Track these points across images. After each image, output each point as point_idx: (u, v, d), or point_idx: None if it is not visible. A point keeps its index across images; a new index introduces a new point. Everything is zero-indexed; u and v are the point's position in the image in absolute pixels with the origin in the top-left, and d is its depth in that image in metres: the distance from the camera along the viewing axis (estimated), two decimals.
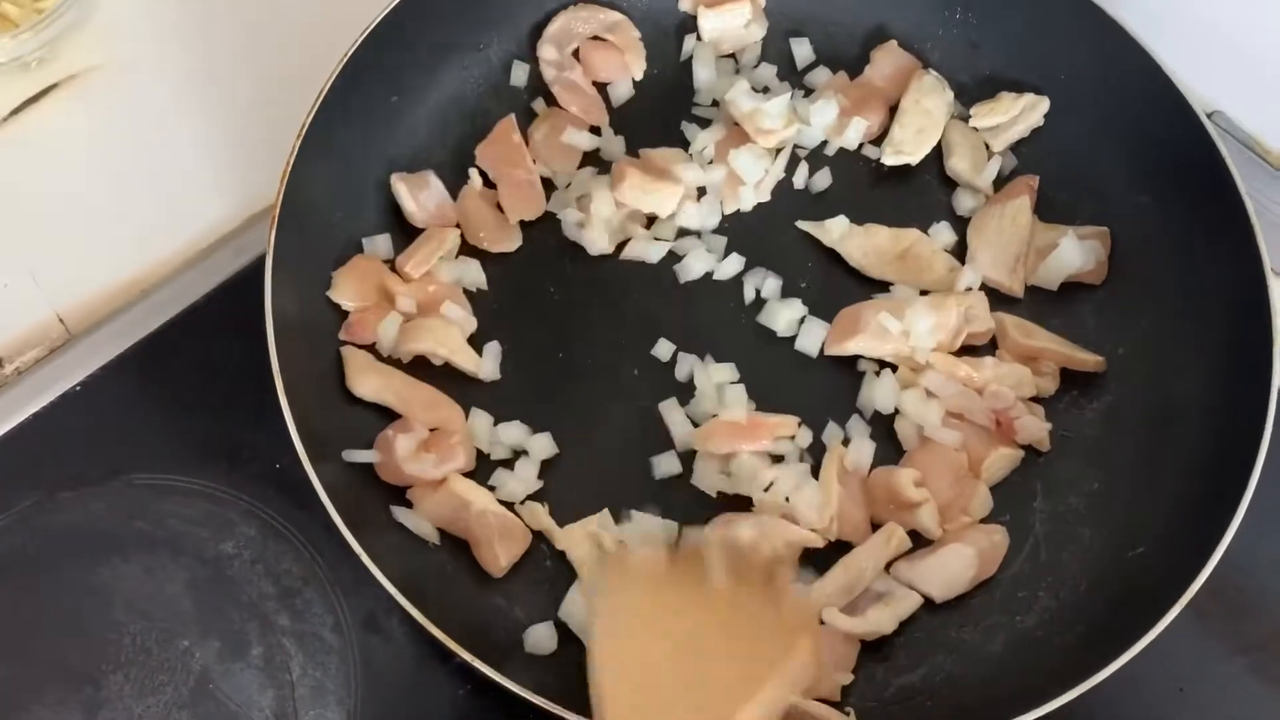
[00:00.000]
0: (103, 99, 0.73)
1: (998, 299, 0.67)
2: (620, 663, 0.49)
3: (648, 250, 0.67)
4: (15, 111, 0.72)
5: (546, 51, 0.71)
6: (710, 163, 0.69)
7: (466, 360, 0.63)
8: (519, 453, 0.62)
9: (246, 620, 0.59)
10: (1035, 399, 0.64)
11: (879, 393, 0.63)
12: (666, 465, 0.62)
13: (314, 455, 0.55)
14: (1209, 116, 0.68)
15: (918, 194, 0.70)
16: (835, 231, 0.68)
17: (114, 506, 0.61)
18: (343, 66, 0.63)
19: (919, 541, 0.60)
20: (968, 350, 0.65)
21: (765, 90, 0.72)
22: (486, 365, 0.63)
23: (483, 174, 0.68)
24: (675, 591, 0.52)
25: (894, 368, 0.64)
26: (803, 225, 0.68)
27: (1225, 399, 0.61)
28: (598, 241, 0.66)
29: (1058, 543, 0.61)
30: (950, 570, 0.59)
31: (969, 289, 0.66)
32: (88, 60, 0.73)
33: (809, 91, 0.72)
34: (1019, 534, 0.61)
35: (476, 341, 0.64)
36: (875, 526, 0.61)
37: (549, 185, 0.69)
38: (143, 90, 0.73)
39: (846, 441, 0.63)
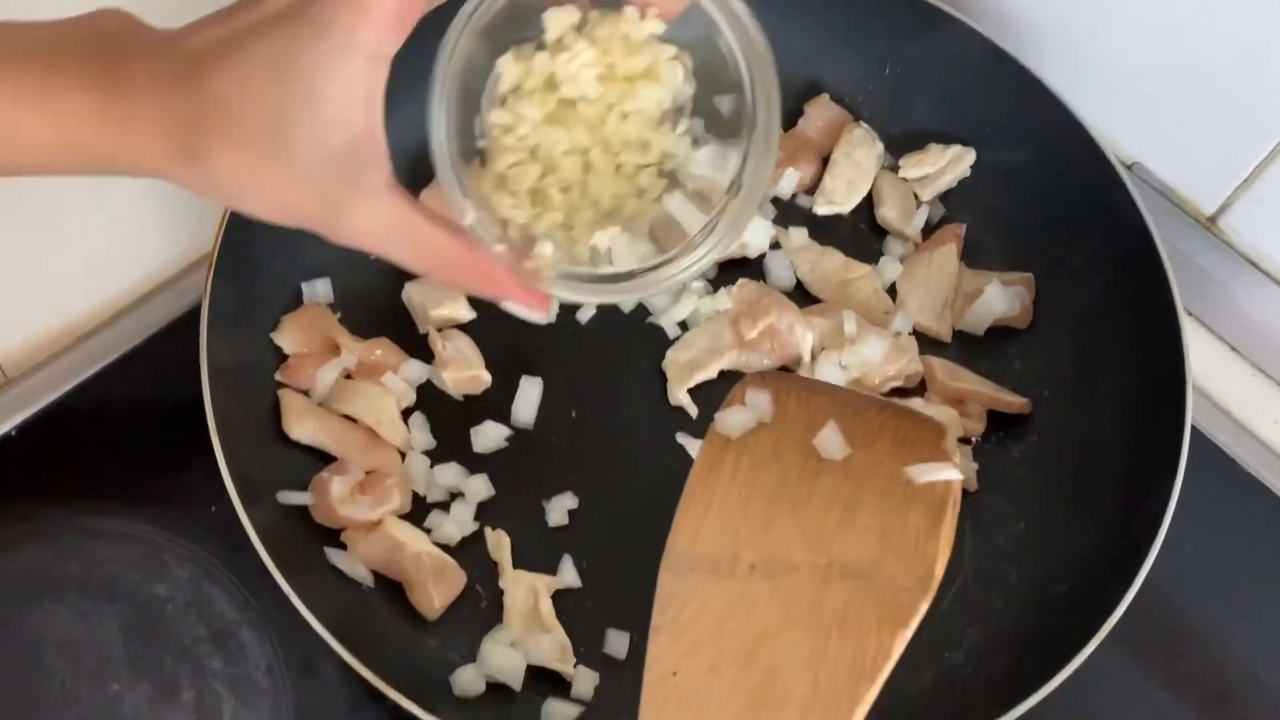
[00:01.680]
0: None
1: (925, 343, 0.69)
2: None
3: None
4: None
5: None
6: None
7: (394, 434, 0.63)
8: (456, 494, 0.63)
9: (178, 664, 0.58)
10: (963, 440, 0.66)
11: None
12: None
13: (247, 497, 0.55)
14: (1128, 168, 0.71)
15: (850, 242, 0.72)
16: (796, 240, 0.70)
17: (47, 550, 0.61)
18: None
19: None
20: (896, 393, 0.67)
21: (695, 142, 0.74)
22: (416, 437, 0.64)
23: None
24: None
25: None
26: (774, 230, 0.70)
27: (1142, 438, 0.63)
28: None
29: (985, 580, 0.62)
30: None
31: (898, 333, 0.68)
32: None
33: None
34: (949, 572, 0.61)
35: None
36: None
37: None
38: None
39: None
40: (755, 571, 0.42)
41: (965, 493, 0.65)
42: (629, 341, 0.68)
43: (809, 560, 0.40)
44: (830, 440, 0.46)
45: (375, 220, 0.41)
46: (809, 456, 0.45)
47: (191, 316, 0.66)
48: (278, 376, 0.63)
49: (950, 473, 0.42)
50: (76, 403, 0.65)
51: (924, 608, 0.38)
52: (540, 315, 0.45)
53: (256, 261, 0.64)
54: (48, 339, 0.67)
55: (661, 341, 0.68)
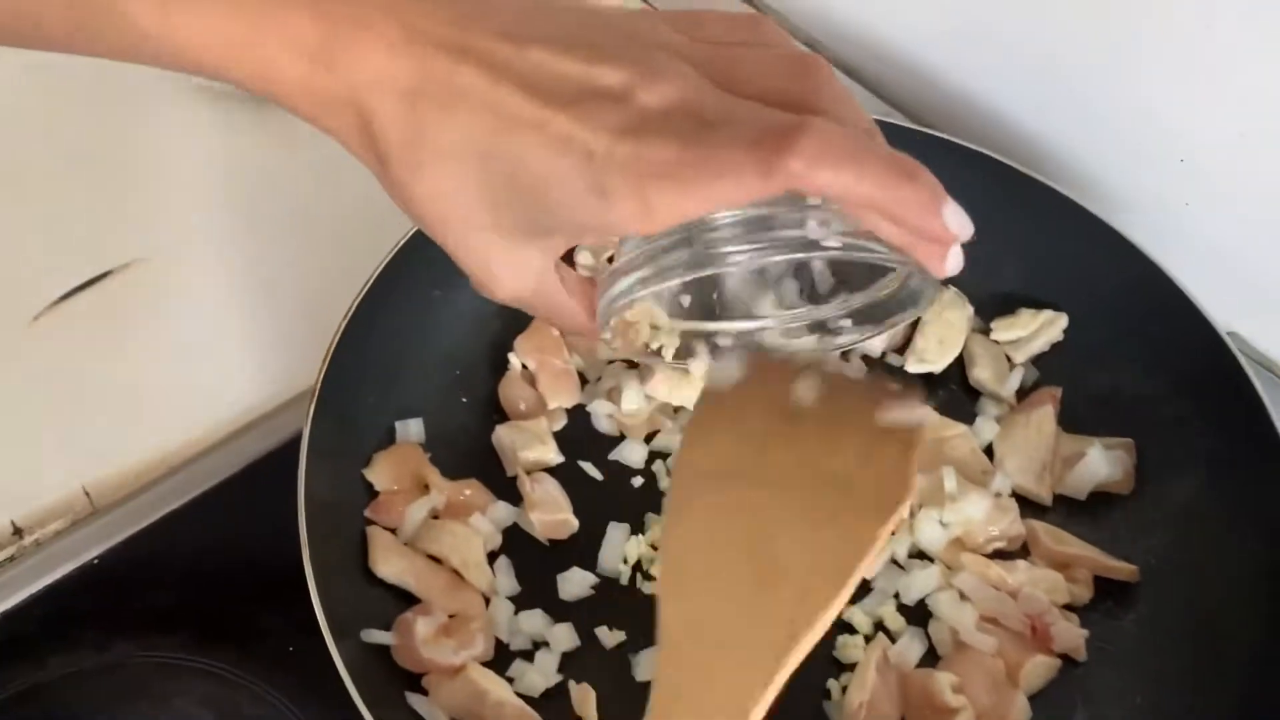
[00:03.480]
0: (148, 287, 0.76)
1: (1025, 506, 0.67)
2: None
3: (677, 441, 0.68)
4: (65, 297, 0.74)
5: (583, 256, 0.74)
6: None
7: (479, 578, 0.62)
8: (539, 643, 0.60)
9: None
10: (1069, 607, 0.63)
11: (920, 582, 0.62)
12: None
13: (336, 634, 0.53)
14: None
15: (943, 402, 0.71)
16: None
17: (119, 684, 0.59)
18: (389, 260, 0.66)
19: None
20: (999, 555, 0.64)
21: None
22: (501, 582, 0.62)
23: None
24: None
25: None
26: None
27: (1260, 612, 0.60)
28: (631, 434, 0.68)
29: None
30: None
31: (998, 494, 0.66)
32: (138, 251, 0.77)
33: None
34: None
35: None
36: None
37: (581, 378, 0.70)
38: (187, 281, 0.76)
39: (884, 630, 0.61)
40: (754, 482, 0.45)
41: (1074, 663, 0.62)
42: None
43: (800, 475, 0.44)
44: (806, 388, 0.47)
45: (518, 289, 0.43)
46: (788, 406, 0.48)
47: (278, 454, 0.67)
48: (367, 513, 0.62)
49: (917, 414, 0.46)
50: (160, 535, 0.64)
51: (904, 510, 0.42)
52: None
53: (353, 399, 0.64)
54: (138, 471, 0.67)
55: None
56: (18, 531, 0.64)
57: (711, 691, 0.40)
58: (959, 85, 0.83)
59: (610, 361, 0.71)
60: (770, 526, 0.42)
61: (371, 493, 0.63)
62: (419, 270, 0.67)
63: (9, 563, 0.63)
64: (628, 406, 0.68)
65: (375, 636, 0.57)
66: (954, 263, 0.40)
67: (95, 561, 0.63)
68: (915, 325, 0.73)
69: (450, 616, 0.60)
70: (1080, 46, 0.73)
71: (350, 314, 0.63)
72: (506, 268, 0.42)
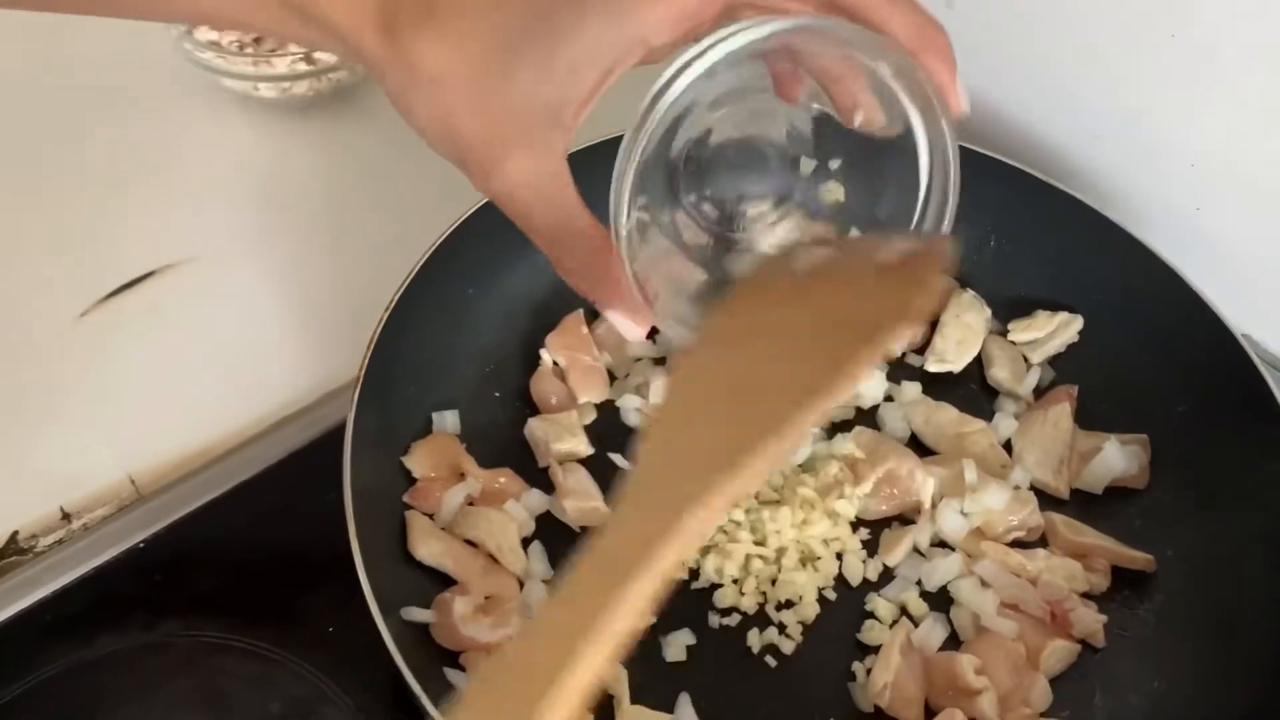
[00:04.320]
0: (192, 286, 0.78)
1: (1043, 500, 0.68)
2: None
3: None
4: (112, 294, 0.77)
5: None
6: None
7: (514, 561, 0.63)
8: None
9: None
10: (1088, 596, 0.64)
11: (941, 569, 0.64)
12: None
13: (383, 610, 0.55)
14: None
15: (962, 400, 0.73)
16: (910, 394, 0.71)
17: (165, 661, 0.60)
18: (425, 260, 0.68)
19: None
20: (1017, 545, 0.66)
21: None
22: (535, 566, 0.64)
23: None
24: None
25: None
26: (886, 385, 0.72)
27: (1277, 604, 0.61)
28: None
29: None
30: None
31: (1017, 487, 0.68)
32: (183, 253, 0.79)
33: None
34: None
35: None
36: (929, 711, 0.59)
37: (610, 375, 0.73)
38: (230, 281, 0.79)
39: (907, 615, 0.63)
40: (751, 334, 0.43)
41: (1093, 649, 0.63)
42: None
43: (798, 321, 0.41)
44: (806, 256, 0.46)
45: (531, 176, 0.39)
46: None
47: (319, 444, 0.69)
48: (406, 499, 0.64)
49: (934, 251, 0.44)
50: (204, 521, 0.66)
51: (898, 334, 0.38)
52: (637, 333, 0.44)
53: (393, 392, 0.66)
54: (182, 459, 0.69)
55: None
56: (66, 516, 0.66)
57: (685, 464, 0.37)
58: (977, 95, 0.85)
59: (638, 359, 0.74)
60: (757, 364, 0.40)
61: (410, 480, 0.65)
62: (454, 270, 0.70)
63: (57, 546, 0.65)
64: (656, 400, 0.70)
65: (415, 615, 0.59)
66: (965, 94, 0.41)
67: (141, 546, 0.65)
68: (934, 327, 0.75)
69: (486, 598, 0.61)
70: (1093, 56, 0.76)
71: (389, 312, 0.66)
72: (520, 143, 0.38)
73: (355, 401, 0.62)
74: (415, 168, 0.84)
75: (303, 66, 0.84)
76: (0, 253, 0.78)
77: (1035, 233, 0.75)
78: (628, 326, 0.43)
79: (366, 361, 0.64)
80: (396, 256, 0.68)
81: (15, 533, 0.65)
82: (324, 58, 0.85)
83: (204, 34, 0.84)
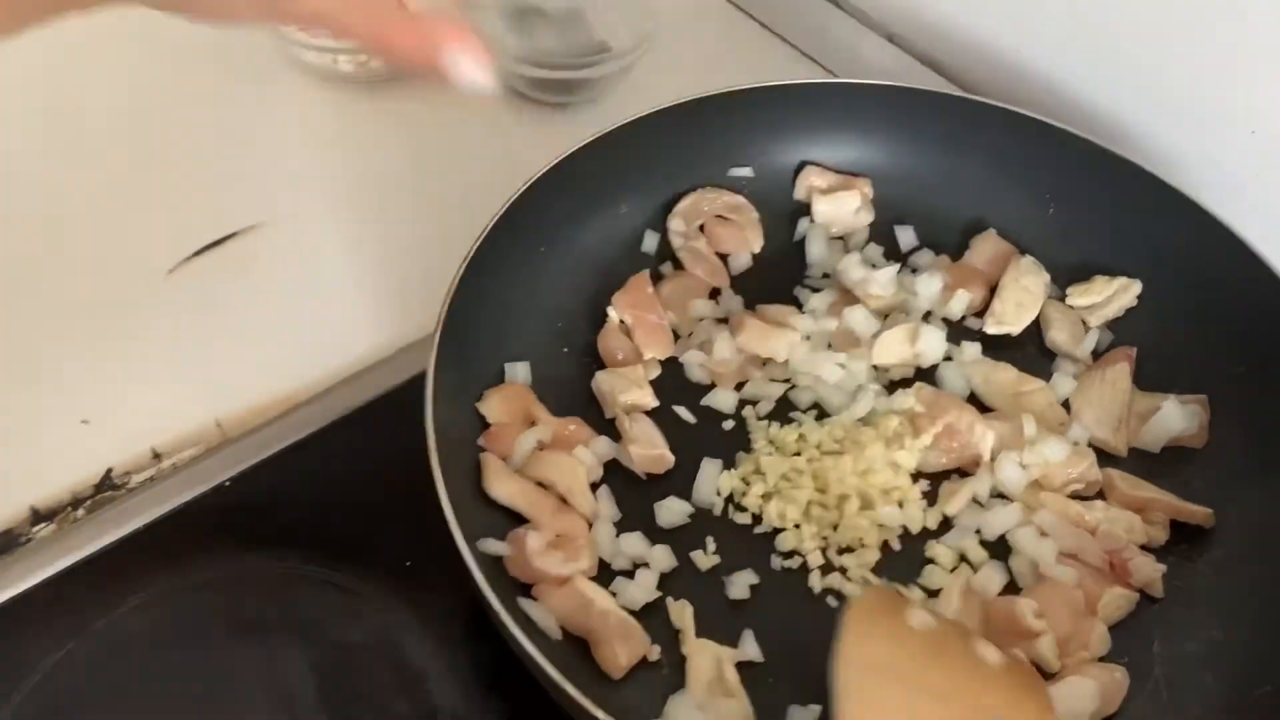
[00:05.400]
0: (273, 246, 0.82)
1: (1101, 458, 0.69)
2: None
3: (765, 389, 0.72)
4: (196, 254, 0.80)
5: (675, 224, 0.79)
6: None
7: (583, 503, 0.66)
8: (639, 565, 0.64)
9: (366, 707, 0.59)
10: (1146, 549, 0.65)
11: (1001, 518, 0.65)
12: None
13: (467, 539, 0.57)
14: None
15: (1020, 362, 0.74)
16: (969, 354, 0.73)
17: (251, 593, 0.63)
18: (499, 218, 0.70)
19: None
20: (1076, 497, 0.67)
21: (873, 266, 0.78)
22: (603, 508, 0.66)
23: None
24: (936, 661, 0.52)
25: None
26: (946, 345, 0.73)
27: None
28: (722, 382, 0.72)
29: (1178, 685, 0.60)
30: (1072, 703, 0.58)
31: (1076, 443, 0.69)
32: (262, 216, 0.83)
33: (914, 270, 0.79)
34: (1139, 675, 0.61)
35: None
36: None
37: (674, 334, 0.75)
38: (308, 243, 0.82)
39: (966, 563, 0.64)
40: (918, 689, 0.51)
41: (1151, 600, 0.64)
42: None
43: (960, 696, 0.51)
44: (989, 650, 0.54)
45: None
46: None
47: (397, 393, 0.72)
48: (480, 442, 0.67)
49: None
50: (288, 461, 0.69)
51: None
52: (487, 76, 0.47)
53: (468, 342, 0.68)
54: (267, 405, 0.72)
55: None
56: (157, 456, 0.70)
57: None
58: (1033, 64, 0.87)
59: (701, 318, 0.76)
60: None
61: (483, 425, 0.68)
62: (525, 229, 0.72)
63: (149, 483, 0.68)
64: (719, 356, 0.72)
65: (491, 546, 0.61)
66: None
67: (226, 484, 0.68)
68: (994, 290, 0.77)
69: (556, 536, 0.64)
70: (1152, 23, 0.77)
71: (463, 268, 0.68)
72: None
73: (435, 350, 0.64)
74: (482, 138, 0.88)
75: None
76: (94, 212, 0.82)
77: (1094, 198, 0.77)
78: (476, 78, 0.47)
79: (444, 314, 0.66)
80: (467, 220, 0.70)
81: (110, 470, 0.69)
82: None
83: None
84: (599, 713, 0.51)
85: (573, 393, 0.72)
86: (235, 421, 0.71)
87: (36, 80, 0.89)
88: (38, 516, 0.67)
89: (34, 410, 0.71)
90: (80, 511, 0.67)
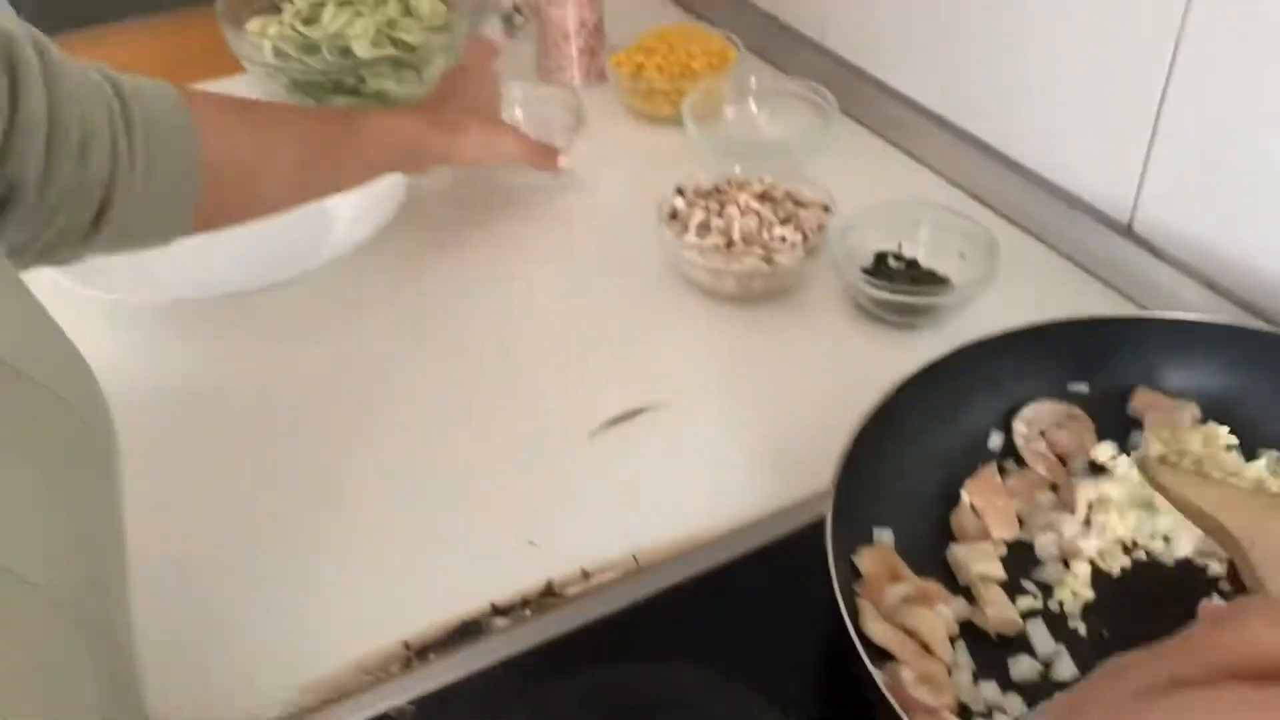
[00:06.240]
0: (672, 421, 1.00)
1: None
2: None
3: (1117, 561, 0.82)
4: (611, 422, 1.00)
5: (1019, 426, 0.92)
6: None
7: (943, 651, 0.76)
8: (994, 709, 0.74)
9: None
10: None
11: None
12: None
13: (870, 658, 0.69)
14: None
15: None
16: None
17: (660, 690, 0.77)
18: (876, 409, 0.85)
19: None
20: None
21: None
22: (960, 659, 0.77)
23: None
24: None
25: None
26: None
27: None
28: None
29: None
30: None
31: None
32: (662, 397, 1.02)
33: None
34: None
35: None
36: None
37: (1019, 520, 0.86)
38: (702, 419, 1.00)
39: None
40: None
41: None
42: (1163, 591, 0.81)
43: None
44: None
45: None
46: None
47: (772, 547, 0.86)
48: (855, 588, 0.79)
49: None
50: (695, 589, 0.84)
51: None
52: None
53: (845, 505, 0.82)
54: (676, 544, 0.88)
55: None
56: (586, 575, 0.86)
57: None
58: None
59: (1041, 506, 0.87)
60: None
61: (857, 575, 0.81)
62: (891, 421, 0.87)
63: (580, 596, 0.85)
64: (1068, 534, 0.83)
65: (876, 674, 0.73)
66: None
67: (641, 602, 0.83)
68: None
69: (919, 676, 0.75)
70: None
71: (848, 445, 0.83)
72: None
73: (831, 503, 0.78)
74: (836, 350, 1.05)
75: (764, 266, 1.08)
76: (535, 389, 1.04)
77: None
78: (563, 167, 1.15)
79: (837, 477, 0.80)
80: (820, 415, 0.86)
81: (550, 581, 0.86)
82: (781, 260, 1.08)
83: (691, 237, 1.10)
84: None
85: (929, 563, 0.84)
86: (648, 554, 0.87)
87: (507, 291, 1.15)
88: (495, 610, 0.84)
89: (496, 534, 0.90)
90: (527, 611, 0.84)
